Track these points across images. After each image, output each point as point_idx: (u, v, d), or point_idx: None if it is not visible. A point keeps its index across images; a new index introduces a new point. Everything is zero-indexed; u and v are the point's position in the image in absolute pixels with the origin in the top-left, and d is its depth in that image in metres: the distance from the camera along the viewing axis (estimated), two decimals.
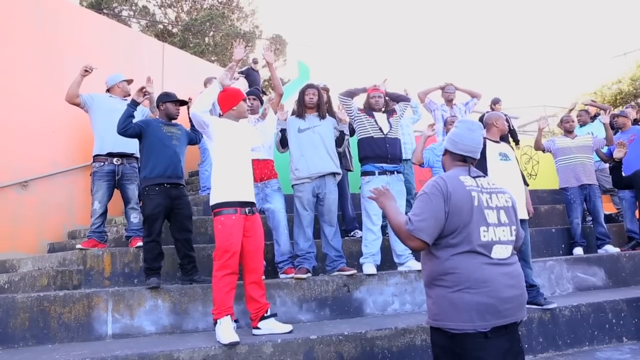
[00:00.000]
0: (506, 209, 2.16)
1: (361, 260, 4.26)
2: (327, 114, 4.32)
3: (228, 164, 3.28)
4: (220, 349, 2.96)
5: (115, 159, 4.47)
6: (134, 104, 3.85)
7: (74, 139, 5.70)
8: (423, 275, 2.17)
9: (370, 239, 4.23)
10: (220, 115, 3.55)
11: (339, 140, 4.35)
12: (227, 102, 3.46)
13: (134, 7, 19.04)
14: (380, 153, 4.24)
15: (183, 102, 4.09)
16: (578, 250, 5.27)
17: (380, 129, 4.31)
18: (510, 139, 6.98)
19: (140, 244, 4.02)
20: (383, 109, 4.50)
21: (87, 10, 7.01)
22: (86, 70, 4.46)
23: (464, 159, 2.23)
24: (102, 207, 4.37)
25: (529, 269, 3.83)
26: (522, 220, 3.84)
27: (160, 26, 20.13)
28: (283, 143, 4.31)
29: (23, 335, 3.29)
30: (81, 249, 4.15)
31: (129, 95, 4.72)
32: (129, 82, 4.81)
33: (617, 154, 5.14)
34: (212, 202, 3.24)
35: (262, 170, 4.15)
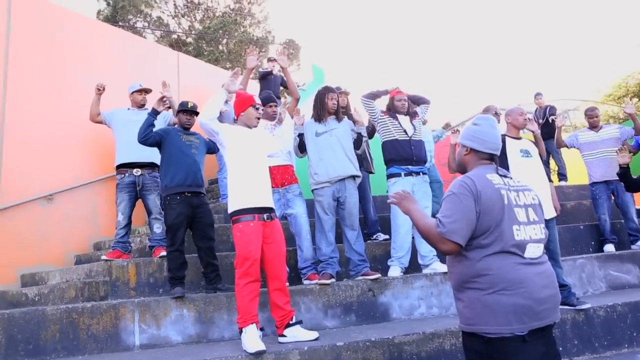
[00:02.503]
0: (534, 206, 2.10)
1: (389, 262, 4.22)
2: (344, 117, 4.30)
3: (243, 171, 3.26)
4: (247, 358, 2.94)
5: (135, 170, 4.53)
6: (154, 113, 3.88)
7: (95, 151, 5.78)
8: (452, 278, 2.09)
9: (399, 242, 4.19)
10: (235, 120, 3.55)
11: (357, 143, 4.31)
12: (238, 106, 3.47)
13: (148, 19, 19.31)
14: (406, 155, 4.22)
15: (193, 111, 4.08)
16: (609, 247, 5.11)
17: (404, 131, 4.29)
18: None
19: (163, 253, 4.05)
20: (406, 111, 4.46)
21: (102, 23, 7.14)
22: (99, 89, 4.56)
23: (491, 157, 2.18)
24: (125, 219, 4.43)
25: (559, 268, 3.72)
26: (549, 219, 3.76)
27: (175, 36, 20.38)
28: (301, 148, 4.29)
29: (54, 347, 3.33)
30: (106, 260, 4.19)
31: (143, 105, 4.77)
32: (146, 91, 4.84)
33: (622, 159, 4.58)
34: (230, 210, 3.23)
35: (283, 176, 4.13)
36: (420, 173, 4.26)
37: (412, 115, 4.42)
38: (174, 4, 21.31)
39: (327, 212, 4.07)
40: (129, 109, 4.81)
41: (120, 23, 17.44)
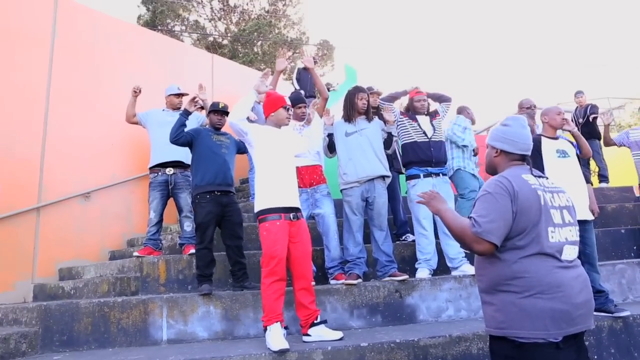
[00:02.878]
0: (568, 208, 2.03)
1: (416, 265, 4.16)
2: (374, 117, 4.26)
3: (270, 171, 3.28)
4: (271, 356, 2.95)
5: (167, 169, 4.65)
6: (186, 114, 3.96)
7: (130, 151, 5.96)
8: (482, 281, 2.00)
9: (423, 244, 4.12)
10: (264, 120, 3.58)
11: (387, 142, 4.26)
12: (268, 107, 3.49)
13: (185, 22, 19.79)
14: (425, 157, 4.16)
15: (224, 112, 4.15)
16: None
17: (424, 132, 4.23)
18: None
19: (193, 251, 4.12)
20: (427, 112, 4.38)
21: (138, 27, 7.34)
22: (135, 92, 4.71)
23: (523, 158, 2.11)
24: (157, 216, 4.55)
25: (595, 273, 3.55)
26: (587, 221, 3.60)
27: (211, 38, 20.81)
28: (331, 148, 4.27)
29: (87, 339, 3.45)
30: (138, 257, 4.31)
31: (179, 108, 4.88)
32: (181, 95, 4.96)
33: None
34: (256, 209, 3.25)
35: (311, 176, 4.13)
36: (440, 174, 4.17)
37: (433, 115, 4.34)
38: (211, 8, 21.80)
39: (355, 212, 4.03)
40: (163, 110, 4.94)
41: (159, 27, 17.95)
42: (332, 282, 4.01)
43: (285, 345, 2.95)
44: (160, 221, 4.61)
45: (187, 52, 7.61)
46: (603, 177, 7.30)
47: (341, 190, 4.15)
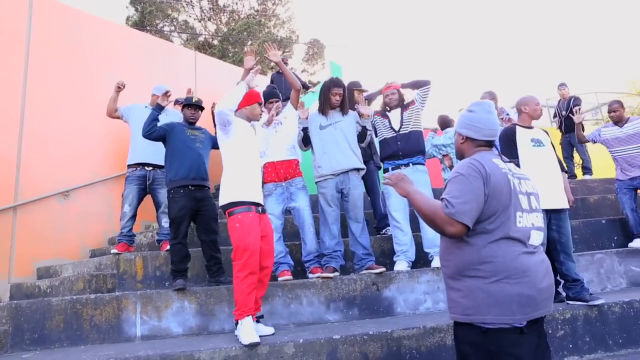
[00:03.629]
0: (535, 195, 2.02)
1: (395, 257, 4.15)
2: (349, 110, 4.24)
3: (243, 164, 3.25)
4: (241, 349, 2.92)
5: (147, 166, 4.63)
6: (159, 108, 3.93)
7: (112, 149, 5.91)
8: (447, 267, 1.96)
9: (399, 236, 4.11)
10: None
11: (361, 135, 4.22)
12: (243, 100, 3.43)
13: (175, 23, 19.71)
14: (392, 152, 4.19)
15: (197, 106, 4.10)
16: (637, 243, 4.82)
17: (392, 128, 4.24)
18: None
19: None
20: (399, 104, 4.35)
21: (120, 25, 7.27)
22: (119, 87, 4.66)
23: (489, 144, 2.08)
24: (131, 210, 4.51)
25: (571, 262, 3.54)
26: (562, 210, 3.60)
27: (201, 39, 20.74)
28: (305, 141, 4.24)
29: (58, 337, 3.40)
30: (116, 254, 4.26)
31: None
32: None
33: None
34: (225, 201, 3.17)
35: (287, 170, 4.10)
36: (411, 164, 4.13)
37: (406, 106, 4.31)
38: (200, 8, 21.72)
39: (330, 204, 4.01)
40: (146, 106, 4.87)
41: (148, 28, 17.86)
42: (309, 275, 3.98)
43: (256, 338, 2.92)
44: (134, 216, 4.58)
45: (170, 50, 7.56)
46: (587, 169, 7.32)
47: (316, 183, 4.12)
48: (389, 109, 4.38)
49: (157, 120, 3.90)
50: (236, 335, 3.07)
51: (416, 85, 4.35)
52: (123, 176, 5.65)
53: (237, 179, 3.22)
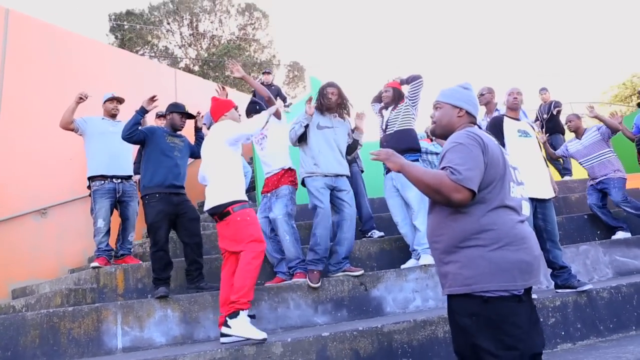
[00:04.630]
0: (518, 169, 2.04)
1: (415, 255, 4.15)
2: (346, 117, 4.18)
3: (239, 168, 3.37)
4: (227, 351, 2.81)
5: (114, 178, 4.46)
6: (143, 112, 3.87)
7: None
8: (440, 242, 1.89)
9: (403, 233, 4.25)
10: (211, 124, 3.64)
11: (351, 148, 4.16)
12: (219, 109, 3.53)
13: (155, 49, 19.80)
14: None
15: (190, 116, 4.07)
16: (619, 235, 4.88)
17: (381, 128, 4.29)
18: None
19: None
20: (394, 103, 4.35)
21: (100, 42, 7.23)
22: (80, 98, 4.46)
23: (475, 121, 2.11)
24: (106, 225, 4.37)
25: (558, 250, 3.54)
26: (547, 199, 3.61)
27: (182, 64, 20.83)
28: (301, 138, 4.04)
29: (34, 353, 3.22)
30: (96, 267, 4.12)
31: (115, 115, 4.69)
32: (118, 101, 4.74)
33: None
34: (233, 199, 3.17)
35: (273, 181, 4.09)
36: None
37: (395, 105, 4.32)
38: (180, 34, 21.91)
39: (322, 200, 3.83)
40: (103, 118, 4.69)
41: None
42: (294, 280, 3.87)
43: (262, 333, 2.87)
44: (109, 230, 4.42)
45: (150, 67, 7.56)
46: (567, 170, 7.46)
47: (304, 179, 3.98)
48: (386, 108, 4.39)
49: (139, 124, 3.83)
50: (229, 327, 2.88)
51: (408, 81, 4.36)
52: None
53: (237, 181, 3.30)
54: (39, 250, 5.12)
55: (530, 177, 3.46)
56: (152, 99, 3.95)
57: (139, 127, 3.83)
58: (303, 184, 4.01)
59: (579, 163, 5.40)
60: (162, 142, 3.85)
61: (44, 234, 5.20)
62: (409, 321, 3.11)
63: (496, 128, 3.53)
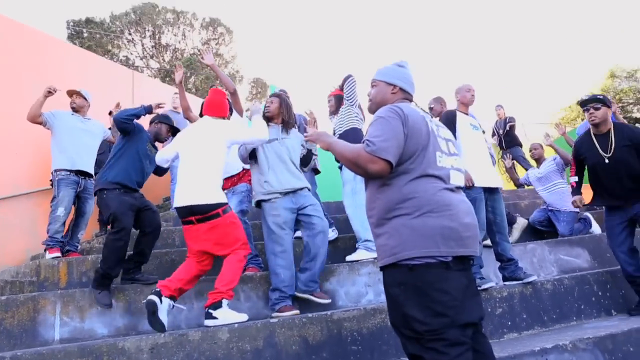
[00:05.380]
0: (452, 142, 2.10)
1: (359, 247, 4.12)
2: (294, 128, 3.88)
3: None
4: (171, 336, 2.71)
5: (80, 174, 4.48)
6: (148, 110, 3.78)
7: (38, 161, 5.55)
8: (373, 215, 1.94)
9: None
10: (200, 115, 3.71)
11: (305, 159, 3.78)
12: (225, 109, 3.57)
13: (114, 58, 19.40)
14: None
15: (175, 132, 3.95)
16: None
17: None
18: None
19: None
20: (337, 110, 4.43)
21: (57, 39, 7.00)
22: (49, 92, 4.45)
23: (411, 98, 2.16)
24: (65, 215, 4.32)
25: (506, 242, 3.64)
26: (496, 190, 3.73)
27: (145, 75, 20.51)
28: (252, 154, 3.67)
29: None
30: (55, 257, 4.01)
31: (80, 111, 4.69)
32: (73, 93, 4.74)
33: None
34: (221, 200, 3.16)
35: (240, 179, 4.16)
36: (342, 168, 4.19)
37: (336, 112, 4.41)
38: (142, 45, 21.61)
39: (284, 226, 3.46)
40: (72, 114, 4.68)
41: None
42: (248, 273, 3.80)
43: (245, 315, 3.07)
44: (65, 222, 4.29)
45: (107, 67, 7.39)
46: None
47: (259, 202, 3.57)
48: (333, 116, 4.46)
49: (138, 117, 3.70)
50: (215, 318, 2.92)
51: (343, 84, 4.38)
52: (49, 190, 5.35)
53: (221, 182, 3.32)
54: None
55: (482, 166, 3.67)
56: (159, 106, 3.94)
57: (135, 121, 3.69)
58: (258, 205, 3.61)
59: (537, 191, 5.64)
60: (142, 146, 3.71)
61: None
62: (359, 309, 3.10)
63: (449, 121, 3.64)
